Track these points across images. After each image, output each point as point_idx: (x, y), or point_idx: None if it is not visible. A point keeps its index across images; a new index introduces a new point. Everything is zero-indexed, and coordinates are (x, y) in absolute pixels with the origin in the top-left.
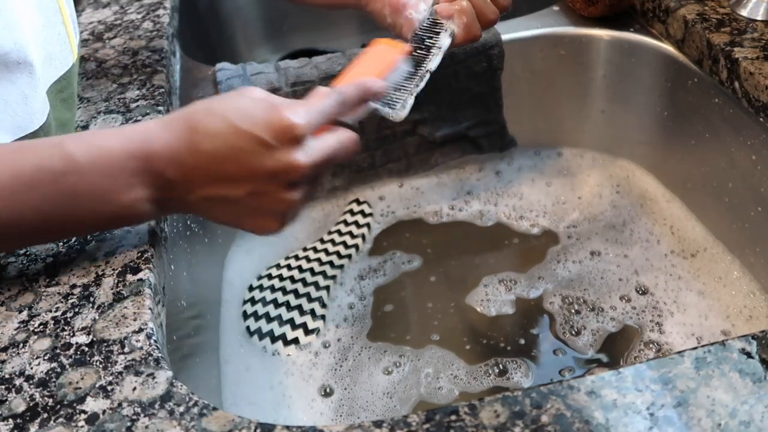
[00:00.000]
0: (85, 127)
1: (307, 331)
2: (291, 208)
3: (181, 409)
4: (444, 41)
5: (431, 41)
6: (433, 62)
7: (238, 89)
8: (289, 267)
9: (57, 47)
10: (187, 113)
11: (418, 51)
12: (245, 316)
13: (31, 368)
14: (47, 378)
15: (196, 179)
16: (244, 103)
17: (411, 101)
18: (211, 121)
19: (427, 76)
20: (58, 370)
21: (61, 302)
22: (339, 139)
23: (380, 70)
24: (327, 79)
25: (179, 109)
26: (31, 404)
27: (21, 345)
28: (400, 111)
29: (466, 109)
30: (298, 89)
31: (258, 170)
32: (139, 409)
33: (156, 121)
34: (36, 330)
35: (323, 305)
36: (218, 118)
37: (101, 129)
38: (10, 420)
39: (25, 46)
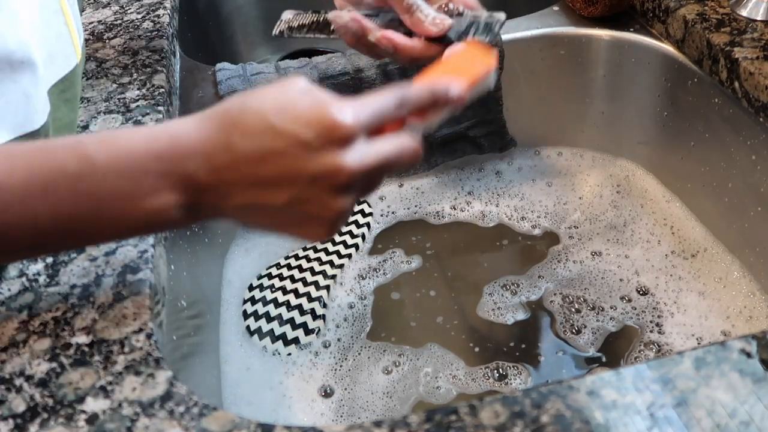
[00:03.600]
0: (86, 127)
1: (308, 331)
2: (339, 215)
3: (181, 409)
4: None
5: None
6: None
7: (280, 81)
8: (289, 266)
9: (58, 47)
10: (221, 109)
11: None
12: (245, 315)
13: (31, 368)
14: (47, 378)
15: (232, 183)
16: (285, 98)
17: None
18: (247, 118)
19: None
20: (58, 370)
21: (61, 302)
22: (397, 144)
23: (472, 76)
24: (326, 79)
25: (214, 106)
26: (31, 404)
27: (21, 345)
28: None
29: (466, 109)
30: None
31: (299, 174)
32: (139, 409)
33: (185, 119)
34: (36, 330)
35: (323, 305)
36: (255, 115)
37: (124, 128)
38: (10, 420)
39: (27, 45)
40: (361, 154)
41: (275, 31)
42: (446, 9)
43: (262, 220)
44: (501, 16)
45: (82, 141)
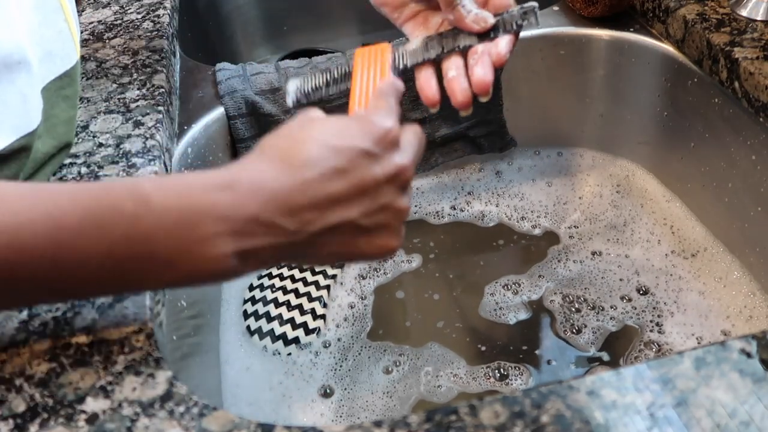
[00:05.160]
0: (86, 127)
1: (308, 331)
2: (406, 216)
3: (181, 409)
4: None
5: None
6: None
7: (297, 116)
8: (289, 266)
9: (58, 44)
10: (268, 148)
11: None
12: (245, 315)
13: (31, 368)
14: (47, 378)
15: (304, 213)
16: (328, 123)
17: None
18: (304, 148)
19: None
20: (58, 370)
21: (61, 302)
22: (414, 132)
23: (384, 70)
24: None
25: (252, 150)
26: (31, 404)
27: (21, 345)
28: None
29: None
30: None
31: (370, 183)
32: (139, 409)
33: (233, 165)
34: (36, 330)
35: (324, 305)
36: (311, 143)
37: (185, 174)
38: (10, 420)
39: (23, 45)
40: (408, 149)
41: (290, 102)
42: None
43: (336, 243)
44: (533, 3)
45: (140, 182)
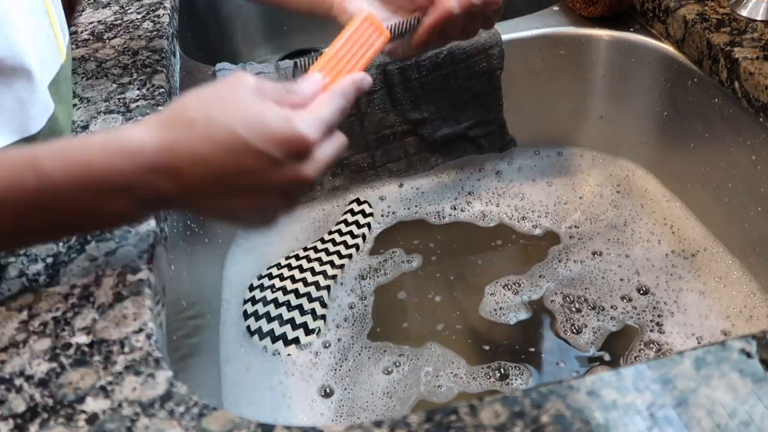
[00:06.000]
0: (85, 127)
1: (308, 331)
2: (287, 211)
3: (181, 409)
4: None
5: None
6: None
7: (227, 78)
8: (289, 267)
9: (47, 49)
10: (180, 115)
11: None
12: (246, 315)
13: (31, 368)
14: (47, 378)
15: (197, 193)
16: (248, 108)
17: None
18: (214, 129)
19: None
20: (58, 370)
21: (61, 302)
22: (337, 146)
23: (367, 59)
24: None
25: (165, 109)
26: (31, 404)
27: (21, 345)
28: None
29: (466, 109)
30: None
31: (264, 185)
32: (139, 409)
33: (138, 126)
34: (36, 330)
35: (324, 305)
36: (223, 126)
37: (76, 138)
38: (10, 420)
39: (20, 52)
40: (317, 162)
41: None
42: None
43: (215, 214)
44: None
45: (37, 155)
